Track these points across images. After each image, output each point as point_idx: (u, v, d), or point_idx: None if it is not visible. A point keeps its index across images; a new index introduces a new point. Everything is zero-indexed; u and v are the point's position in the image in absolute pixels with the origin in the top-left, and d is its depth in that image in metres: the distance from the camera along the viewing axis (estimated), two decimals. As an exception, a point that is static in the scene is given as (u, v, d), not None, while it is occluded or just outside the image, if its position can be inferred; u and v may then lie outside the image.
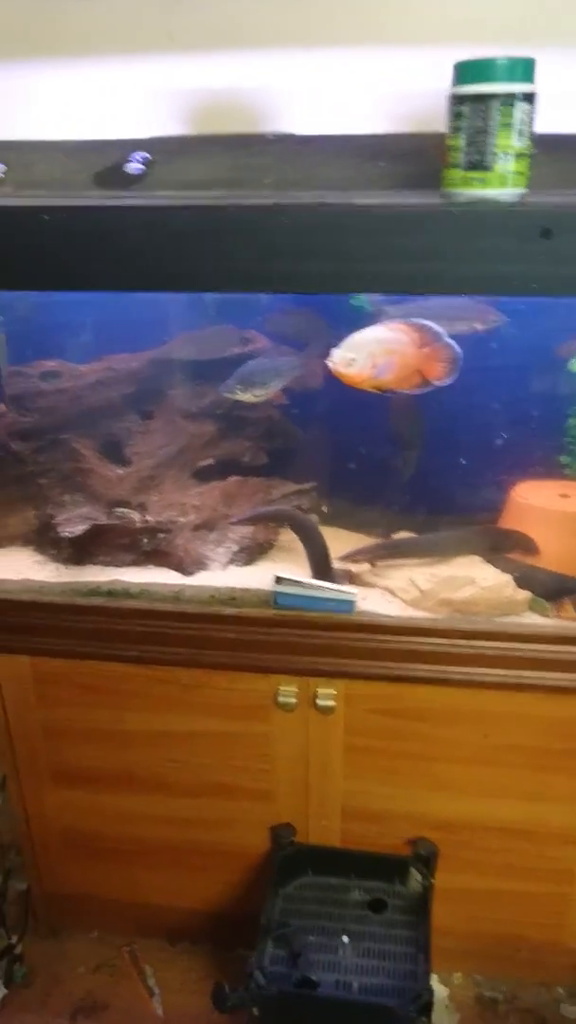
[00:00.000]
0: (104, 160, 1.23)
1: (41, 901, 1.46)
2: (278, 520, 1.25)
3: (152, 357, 1.30)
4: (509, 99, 0.90)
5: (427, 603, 1.15)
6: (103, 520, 1.22)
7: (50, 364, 1.26)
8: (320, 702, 1.17)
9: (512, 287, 0.86)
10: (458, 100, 0.93)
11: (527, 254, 0.83)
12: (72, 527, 1.20)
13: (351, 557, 1.24)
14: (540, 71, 0.92)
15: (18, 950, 1.40)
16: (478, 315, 1.16)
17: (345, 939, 1.17)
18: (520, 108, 0.91)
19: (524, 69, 0.90)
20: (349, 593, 1.12)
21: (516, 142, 0.92)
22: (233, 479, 1.29)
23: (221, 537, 1.24)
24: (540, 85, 0.93)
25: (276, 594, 1.13)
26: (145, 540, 1.21)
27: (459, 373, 1.07)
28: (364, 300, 1.21)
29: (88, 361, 1.28)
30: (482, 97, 0.91)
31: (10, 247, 0.90)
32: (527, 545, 1.21)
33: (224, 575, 1.22)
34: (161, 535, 1.20)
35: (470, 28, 1.17)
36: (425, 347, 1.05)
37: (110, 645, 1.17)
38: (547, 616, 1.15)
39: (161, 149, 1.22)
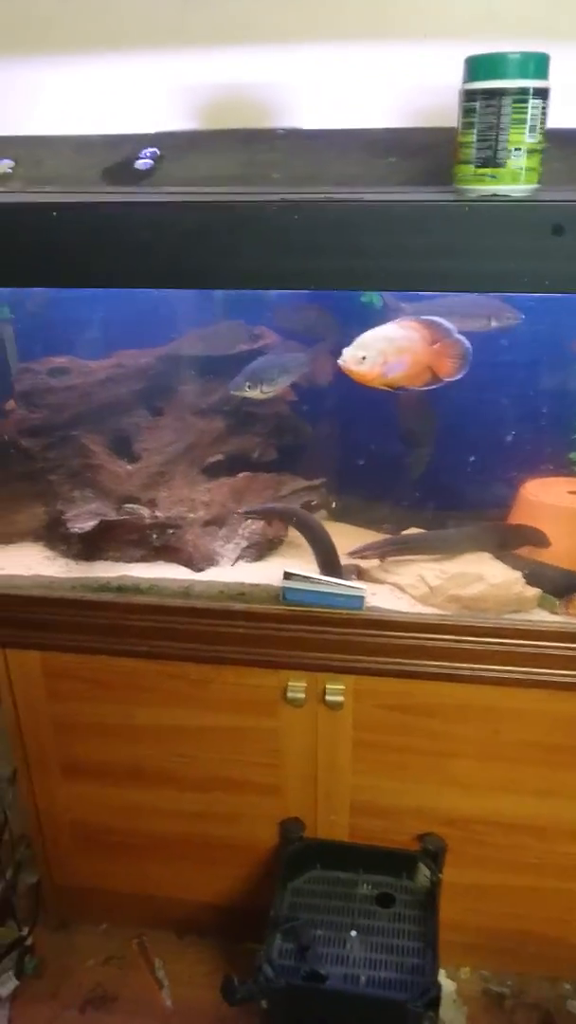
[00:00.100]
0: (113, 155, 1.23)
1: (51, 894, 1.47)
2: (280, 517, 1.25)
3: (162, 353, 1.30)
4: (522, 95, 0.90)
5: (436, 599, 1.16)
6: (113, 516, 1.22)
7: (59, 360, 1.26)
8: (329, 698, 1.17)
9: (524, 284, 0.85)
10: (469, 96, 0.93)
11: (539, 251, 0.82)
12: (82, 523, 1.21)
13: (360, 553, 1.24)
14: (553, 66, 0.92)
15: (29, 942, 1.42)
16: (493, 312, 1.15)
17: (353, 933, 1.18)
18: (533, 104, 0.90)
19: (537, 64, 0.90)
20: (358, 589, 1.12)
21: (528, 138, 0.92)
22: (243, 475, 1.29)
23: (230, 533, 1.24)
24: (553, 80, 0.92)
25: (285, 590, 1.13)
26: (154, 536, 1.21)
27: (470, 369, 1.07)
28: (374, 296, 1.20)
29: (98, 357, 1.28)
30: (494, 93, 0.90)
31: (20, 243, 0.90)
32: (538, 539, 1.20)
33: (233, 571, 1.22)
34: (170, 531, 1.21)
35: (482, 22, 1.16)
36: (435, 343, 1.05)
37: (120, 640, 1.18)
38: (556, 613, 1.15)
39: (170, 144, 1.22)
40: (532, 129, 0.92)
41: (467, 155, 0.95)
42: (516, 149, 0.92)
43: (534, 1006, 1.35)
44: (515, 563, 1.19)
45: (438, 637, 1.10)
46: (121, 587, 1.18)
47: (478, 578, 1.16)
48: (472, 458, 1.24)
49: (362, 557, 1.23)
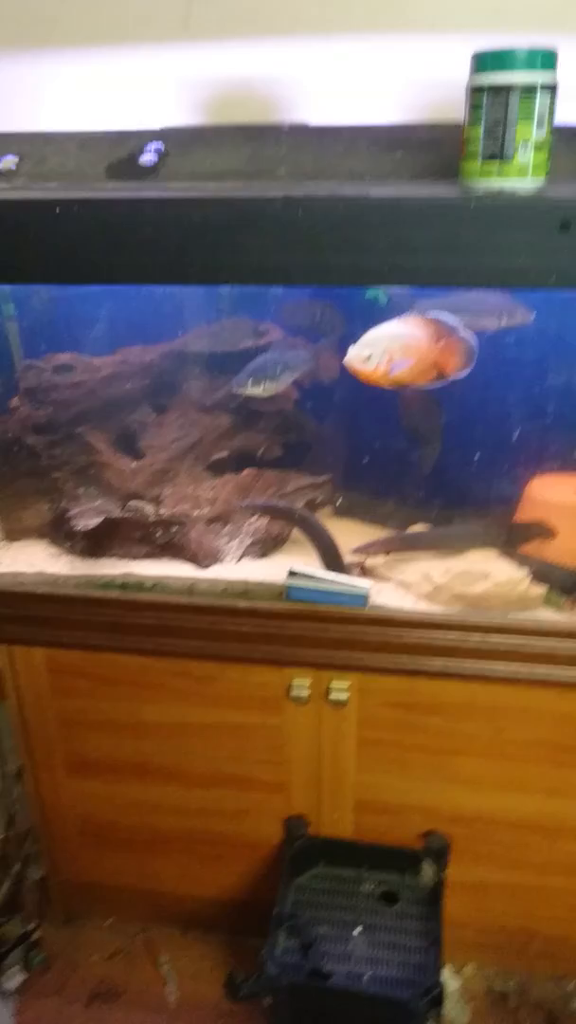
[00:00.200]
0: (118, 151, 1.23)
1: (57, 889, 1.48)
2: (278, 516, 1.24)
3: (166, 350, 1.30)
4: (529, 89, 0.89)
5: (441, 597, 1.15)
6: (117, 513, 1.22)
7: (64, 357, 1.26)
8: (333, 695, 1.17)
9: (531, 280, 0.84)
10: (476, 91, 0.92)
11: (546, 247, 0.82)
12: (86, 520, 1.21)
13: (365, 550, 1.23)
14: (561, 60, 0.91)
15: (35, 936, 1.42)
16: (505, 310, 1.14)
17: (357, 931, 1.18)
18: (540, 98, 0.89)
19: (544, 59, 0.89)
20: (362, 587, 1.12)
21: (536, 133, 0.91)
22: (247, 472, 1.28)
23: (235, 530, 1.24)
24: (561, 74, 0.91)
25: (289, 588, 1.12)
26: (159, 533, 1.21)
27: (476, 366, 1.06)
28: (379, 292, 1.20)
29: (102, 354, 1.28)
30: (501, 88, 0.89)
31: (23, 240, 0.90)
32: (543, 531, 1.19)
33: (238, 568, 1.22)
34: (175, 528, 1.21)
35: (490, 16, 1.15)
36: (441, 340, 1.04)
37: (124, 638, 1.18)
38: (561, 611, 1.14)
39: (175, 139, 1.22)
40: (540, 124, 0.90)
41: (474, 150, 0.94)
42: (523, 144, 0.91)
43: (538, 1005, 1.34)
44: (521, 561, 1.19)
45: (443, 635, 1.10)
46: (126, 584, 1.18)
47: (483, 576, 1.15)
48: (477, 455, 1.23)
49: (367, 554, 1.23)
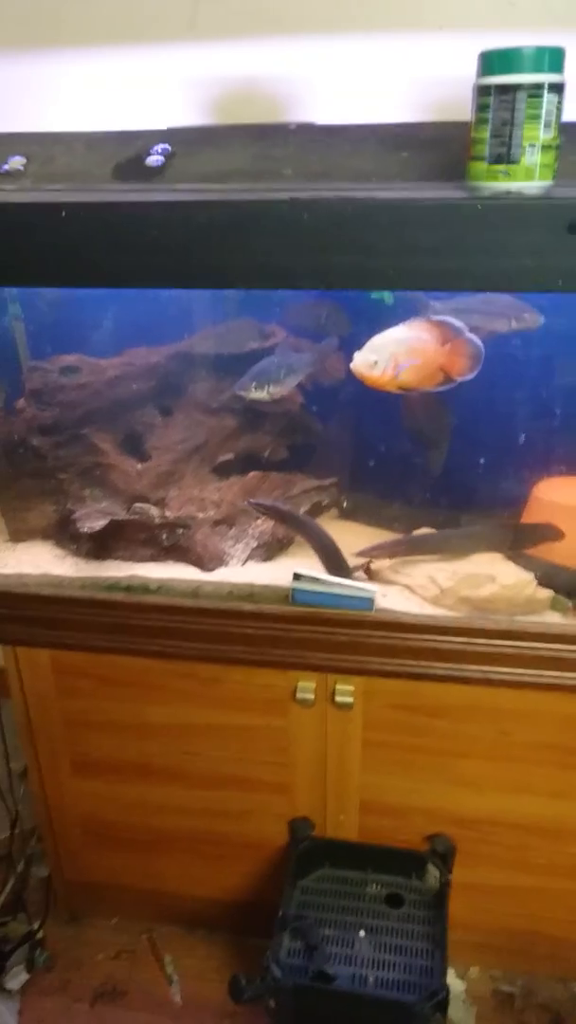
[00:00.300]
0: (124, 151, 1.22)
1: (62, 887, 1.48)
2: (272, 516, 1.23)
3: (172, 351, 1.29)
4: (536, 90, 0.88)
5: (447, 601, 1.15)
6: (122, 515, 1.22)
7: (69, 359, 1.25)
8: (339, 698, 1.16)
9: (538, 283, 0.84)
10: (483, 91, 0.91)
11: (553, 249, 0.81)
12: (91, 522, 1.20)
13: (370, 552, 1.23)
14: (569, 59, 0.90)
15: (40, 935, 1.43)
16: (514, 312, 1.14)
17: (362, 933, 1.18)
18: (548, 99, 0.88)
19: (552, 58, 0.88)
20: (368, 590, 1.11)
21: (543, 134, 0.90)
22: (253, 474, 1.28)
23: (240, 533, 1.24)
24: (569, 74, 0.90)
25: (295, 591, 1.12)
26: (164, 535, 1.21)
27: (483, 368, 1.06)
28: (385, 293, 1.19)
29: (108, 355, 1.28)
30: (508, 88, 0.88)
31: (29, 243, 0.90)
32: (551, 533, 1.19)
33: (243, 571, 1.21)
34: (180, 530, 1.20)
35: (497, 13, 1.14)
36: (447, 343, 1.04)
37: (129, 640, 1.18)
38: (567, 615, 1.13)
39: (181, 139, 1.21)
40: (547, 125, 0.90)
41: (480, 151, 0.93)
42: (530, 145, 0.90)
43: (544, 1007, 1.34)
44: (527, 564, 1.18)
45: (448, 640, 1.10)
46: (130, 587, 1.18)
47: (490, 579, 1.15)
48: (484, 457, 1.23)
49: (372, 557, 1.23)
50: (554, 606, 1.14)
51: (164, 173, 1.20)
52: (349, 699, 1.16)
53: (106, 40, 1.25)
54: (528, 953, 1.36)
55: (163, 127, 1.22)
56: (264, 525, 1.24)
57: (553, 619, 1.13)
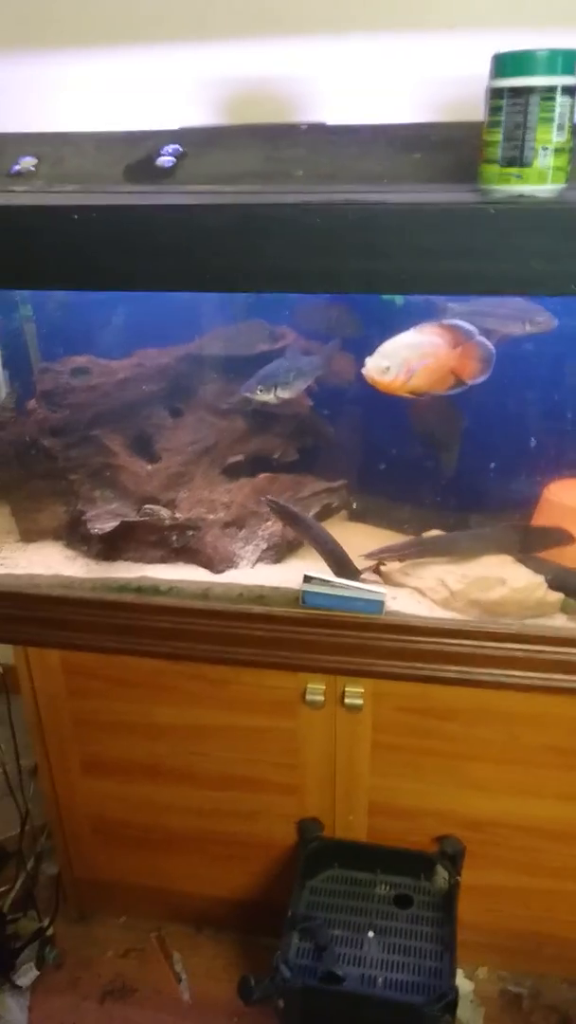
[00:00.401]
0: (135, 152, 1.22)
1: (71, 886, 1.49)
2: (282, 518, 1.22)
3: (182, 353, 1.29)
4: (549, 92, 0.87)
5: (457, 604, 1.14)
6: (133, 517, 1.22)
7: (80, 360, 1.26)
8: (348, 700, 1.17)
9: (550, 287, 0.83)
10: (496, 94, 0.90)
11: (567, 252, 0.80)
12: (102, 523, 1.21)
13: (379, 555, 1.23)
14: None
15: (49, 933, 1.44)
16: (528, 316, 1.13)
17: (371, 934, 1.18)
18: (561, 101, 0.88)
19: (565, 61, 0.87)
20: (378, 593, 1.11)
21: (556, 137, 0.89)
22: (263, 476, 1.28)
23: (250, 535, 1.24)
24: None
25: (305, 594, 1.12)
26: (174, 537, 1.21)
27: (495, 371, 1.05)
28: (395, 295, 1.19)
29: (118, 357, 1.28)
30: (521, 91, 0.88)
31: (40, 245, 0.90)
32: (563, 537, 1.18)
33: (253, 573, 1.21)
34: (190, 532, 1.21)
35: (509, 12, 1.14)
36: (458, 347, 1.03)
37: (139, 641, 1.18)
38: (578, 618, 1.13)
39: (192, 140, 1.21)
40: (560, 127, 0.89)
41: (493, 154, 0.92)
42: (543, 148, 0.89)
43: (552, 1008, 1.34)
44: (538, 567, 1.17)
45: (458, 643, 1.09)
46: (141, 588, 1.18)
47: (500, 582, 1.14)
48: (495, 460, 1.23)
49: (381, 559, 1.23)
50: (565, 609, 1.14)
51: (175, 174, 1.20)
52: (359, 701, 1.17)
53: (116, 40, 1.25)
54: (536, 954, 1.36)
55: (174, 127, 1.22)
56: (274, 527, 1.24)
57: (563, 622, 1.13)
